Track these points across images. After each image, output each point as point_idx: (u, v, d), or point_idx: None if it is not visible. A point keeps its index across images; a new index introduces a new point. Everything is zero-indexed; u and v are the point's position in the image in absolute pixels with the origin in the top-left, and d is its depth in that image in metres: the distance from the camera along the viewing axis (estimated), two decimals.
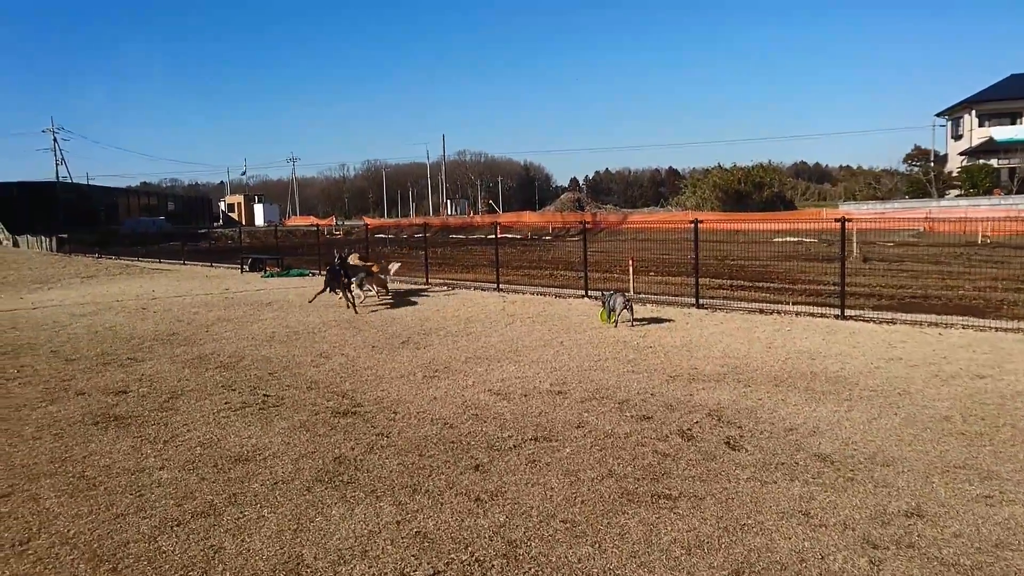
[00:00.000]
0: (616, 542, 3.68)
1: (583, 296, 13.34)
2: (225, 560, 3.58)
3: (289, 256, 24.13)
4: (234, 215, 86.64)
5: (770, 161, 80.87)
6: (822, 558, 3.47)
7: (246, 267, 22.56)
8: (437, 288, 15.74)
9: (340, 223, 68.70)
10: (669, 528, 3.82)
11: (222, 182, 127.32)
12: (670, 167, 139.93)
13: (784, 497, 4.18)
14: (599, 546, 3.64)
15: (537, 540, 3.72)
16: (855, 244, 21.21)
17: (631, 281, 13.35)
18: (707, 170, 74.46)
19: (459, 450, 5.11)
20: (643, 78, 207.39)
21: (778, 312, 10.96)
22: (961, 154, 58.33)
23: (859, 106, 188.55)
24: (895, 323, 9.77)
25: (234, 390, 7.00)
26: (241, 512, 4.14)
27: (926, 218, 31.12)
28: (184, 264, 26.38)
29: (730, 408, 5.98)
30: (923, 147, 66.69)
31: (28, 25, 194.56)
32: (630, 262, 13.93)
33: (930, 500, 4.11)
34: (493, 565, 3.48)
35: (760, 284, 15.14)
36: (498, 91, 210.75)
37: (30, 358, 8.84)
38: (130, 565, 3.55)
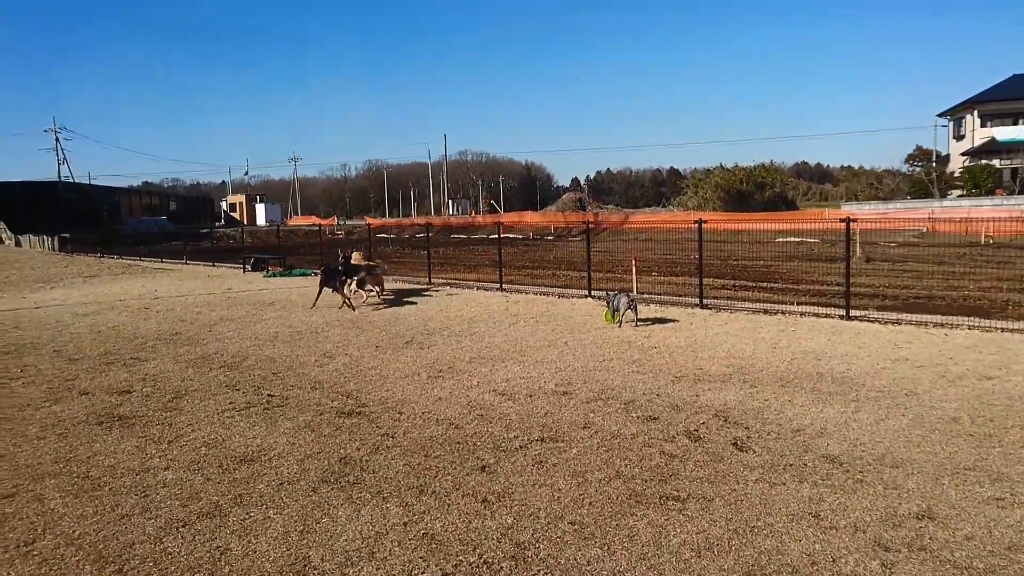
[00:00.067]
0: (625, 544, 3.65)
1: (586, 296, 13.31)
2: (231, 562, 3.56)
3: (291, 256, 24.12)
4: (236, 215, 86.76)
5: (771, 161, 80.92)
6: (833, 561, 3.44)
7: (248, 267, 22.55)
8: (440, 288, 15.72)
9: (341, 223, 68.75)
10: (678, 530, 3.79)
11: (224, 182, 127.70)
12: (671, 167, 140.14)
13: (793, 499, 4.15)
14: (608, 548, 3.62)
15: (546, 542, 3.69)
16: (858, 244, 21.16)
17: (634, 281, 13.31)
18: (709, 170, 74.39)
19: (465, 451, 5.09)
20: (643, 78, 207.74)
21: (782, 312, 10.92)
22: (963, 154, 58.25)
23: (860, 106, 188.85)
24: (900, 323, 9.74)
25: (238, 390, 6.98)
26: (247, 513, 4.12)
27: (928, 218, 31.06)
28: (186, 264, 26.38)
29: (737, 409, 5.95)
30: (925, 147, 66.60)
31: (28, 25, 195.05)
32: (633, 262, 13.89)
33: (941, 502, 4.08)
34: (502, 567, 3.45)
35: (763, 284, 15.10)
36: (499, 91, 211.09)
37: (33, 357, 8.83)
38: (136, 567, 3.53)
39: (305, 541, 3.76)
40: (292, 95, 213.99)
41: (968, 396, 6.18)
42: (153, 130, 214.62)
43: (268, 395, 6.75)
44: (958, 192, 53.16)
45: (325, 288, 12.79)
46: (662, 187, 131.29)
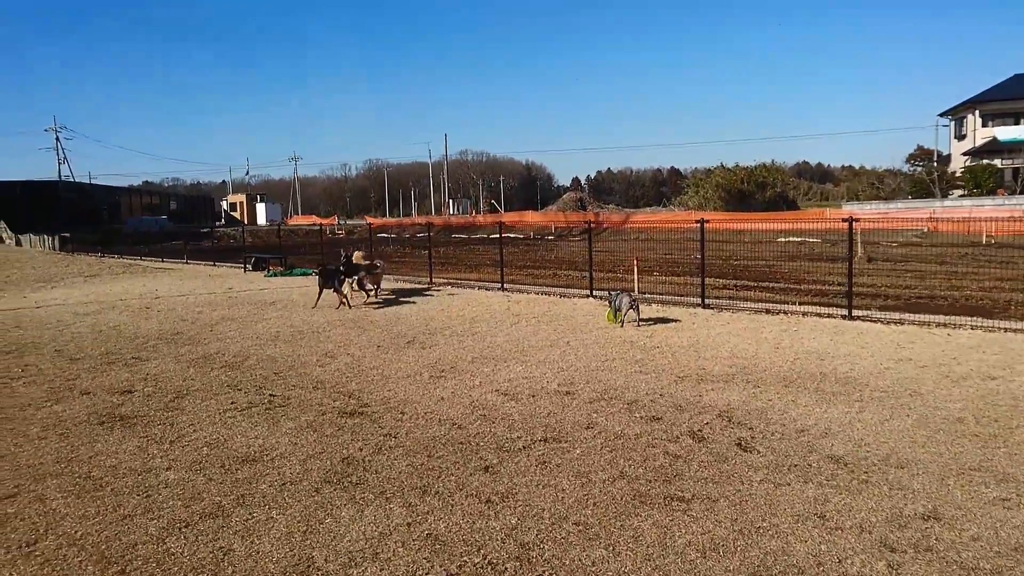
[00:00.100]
0: (630, 545, 3.64)
1: (588, 296, 13.29)
2: (234, 562, 3.54)
3: (292, 255, 24.10)
4: (236, 214, 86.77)
5: (772, 161, 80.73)
6: (839, 562, 3.43)
7: (249, 266, 22.53)
8: (441, 288, 15.70)
9: (342, 223, 68.71)
10: (683, 531, 3.78)
11: (224, 181, 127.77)
12: (672, 167, 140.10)
13: (799, 499, 4.14)
14: (613, 549, 3.60)
15: (550, 542, 3.68)
16: (859, 244, 21.13)
17: (636, 281, 13.29)
18: (710, 170, 74.31)
19: (468, 451, 5.07)
20: (643, 78, 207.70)
21: (785, 312, 10.90)
22: (964, 154, 58.20)
23: (860, 106, 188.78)
24: (903, 323, 9.71)
25: (240, 390, 6.96)
26: (250, 513, 4.10)
27: (930, 218, 31.03)
28: (187, 263, 26.36)
29: (740, 409, 5.93)
30: (926, 147, 66.56)
31: (28, 25, 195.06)
32: (635, 261, 13.87)
33: (947, 503, 4.06)
34: (506, 568, 3.44)
35: (765, 284, 15.08)
36: (499, 91, 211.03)
37: (34, 357, 8.81)
38: (138, 567, 3.51)
39: (308, 542, 3.74)
40: (292, 95, 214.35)
41: (972, 396, 6.15)
42: (153, 130, 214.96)
43: (270, 395, 6.73)
44: (959, 192, 53.13)
45: (325, 288, 12.80)
46: (663, 187, 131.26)
